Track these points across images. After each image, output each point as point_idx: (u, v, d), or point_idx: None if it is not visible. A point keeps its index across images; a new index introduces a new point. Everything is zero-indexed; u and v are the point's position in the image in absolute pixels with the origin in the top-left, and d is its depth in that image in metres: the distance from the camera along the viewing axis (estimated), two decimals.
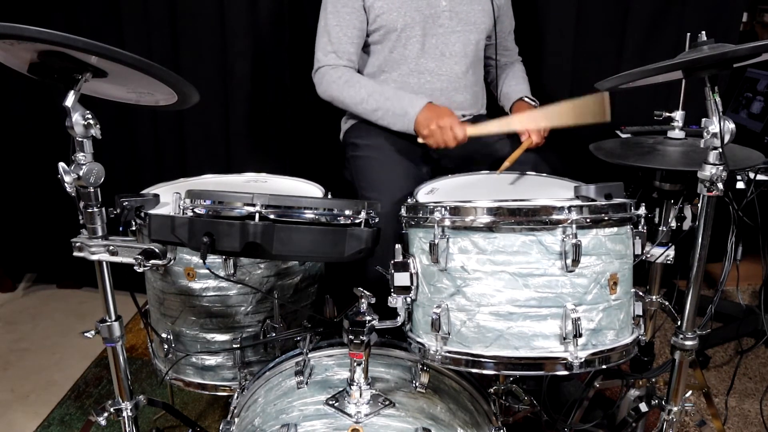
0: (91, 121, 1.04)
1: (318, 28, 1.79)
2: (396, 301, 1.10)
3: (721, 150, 1.05)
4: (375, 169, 1.71)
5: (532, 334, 1.00)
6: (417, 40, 1.75)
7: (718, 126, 1.03)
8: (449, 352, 1.04)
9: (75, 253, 1.14)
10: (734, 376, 1.98)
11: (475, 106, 1.91)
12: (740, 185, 1.60)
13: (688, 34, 1.31)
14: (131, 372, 1.58)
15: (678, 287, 1.52)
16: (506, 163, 1.54)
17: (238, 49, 2.17)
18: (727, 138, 1.04)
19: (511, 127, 1.64)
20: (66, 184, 1.05)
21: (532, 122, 1.64)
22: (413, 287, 1.08)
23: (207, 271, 1.31)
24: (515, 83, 1.91)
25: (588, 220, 0.99)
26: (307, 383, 1.16)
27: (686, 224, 1.44)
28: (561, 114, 1.51)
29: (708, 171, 1.06)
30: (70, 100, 1.02)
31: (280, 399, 1.15)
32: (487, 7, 1.80)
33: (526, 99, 1.85)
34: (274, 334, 1.39)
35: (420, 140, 1.65)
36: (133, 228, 1.27)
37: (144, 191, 1.39)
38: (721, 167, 1.05)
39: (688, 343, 1.20)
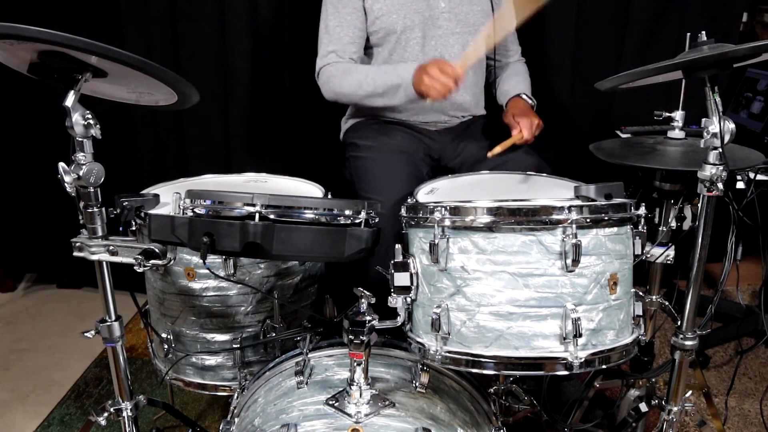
0: (91, 121, 1.04)
1: (319, 31, 1.79)
2: (396, 301, 1.10)
3: (721, 150, 1.05)
4: (374, 171, 1.70)
5: (532, 334, 1.00)
6: (417, 42, 1.75)
7: (718, 126, 1.03)
8: (449, 352, 1.04)
9: (75, 253, 1.14)
10: (734, 376, 1.98)
11: (475, 107, 1.91)
12: (740, 185, 1.60)
13: (688, 34, 1.31)
14: (131, 372, 1.58)
15: (678, 287, 1.51)
16: (497, 149, 1.56)
17: (238, 49, 2.17)
18: (727, 138, 1.04)
19: (485, 42, 1.61)
20: (66, 184, 1.06)
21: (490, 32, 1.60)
22: (413, 287, 1.08)
23: (207, 271, 1.30)
24: (514, 81, 1.90)
25: (588, 220, 0.99)
26: (307, 383, 1.16)
27: (686, 224, 1.44)
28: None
29: (708, 171, 1.06)
30: (70, 100, 1.02)
31: (280, 399, 1.15)
32: (486, 8, 1.79)
33: (524, 96, 1.84)
34: (274, 334, 1.39)
35: (428, 101, 1.60)
36: (133, 228, 1.27)
37: (144, 191, 1.39)
38: (721, 167, 1.05)
39: (688, 343, 1.20)
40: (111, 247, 1.12)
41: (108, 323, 1.22)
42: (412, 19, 1.73)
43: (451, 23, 1.76)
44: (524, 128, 1.64)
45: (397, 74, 1.66)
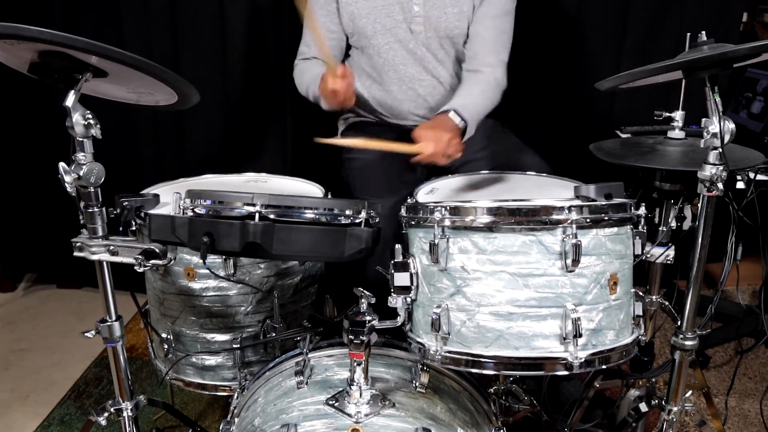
0: (92, 121, 1.04)
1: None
2: (396, 301, 1.10)
3: (721, 150, 1.05)
4: (369, 173, 1.70)
5: (532, 334, 1.00)
6: (390, 46, 1.74)
7: (718, 126, 1.03)
8: (449, 352, 1.04)
9: (75, 253, 1.14)
10: (734, 376, 1.98)
11: None
12: (740, 185, 1.60)
13: (688, 34, 1.31)
14: (131, 372, 1.58)
15: (678, 287, 1.52)
16: (360, 143, 1.51)
17: (238, 49, 2.17)
18: (727, 138, 1.04)
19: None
20: (66, 184, 1.05)
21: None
22: (413, 287, 1.08)
23: (207, 271, 1.31)
24: (457, 94, 1.69)
25: (588, 220, 0.99)
26: (307, 383, 1.16)
27: (686, 224, 1.44)
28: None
29: (708, 171, 1.06)
30: (70, 100, 1.02)
31: (280, 399, 1.15)
32: (465, 9, 1.73)
33: (451, 114, 1.56)
34: (274, 334, 1.39)
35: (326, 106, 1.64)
36: (133, 228, 1.27)
37: (144, 191, 1.39)
38: (721, 167, 1.05)
39: (688, 343, 1.20)
40: (111, 247, 1.12)
41: (108, 323, 1.21)
42: (383, 23, 1.72)
43: (425, 27, 1.73)
44: (427, 140, 1.40)
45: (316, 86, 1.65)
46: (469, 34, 1.74)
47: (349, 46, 1.84)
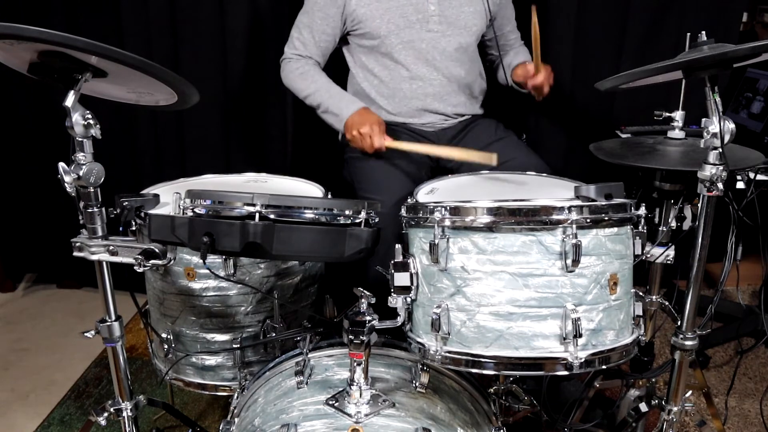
0: (91, 121, 1.04)
1: (296, 19, 1.82)
2: (396, 301, 1.10)
3: (721, 150, 1.05)
4: (373, 171, 1.71)
5: (532, 334, 1.00)
6: (403, 46, 1.75)
7: (718, 126, 1.03)
8: (449, 352, 1.04)
9: (75, 253, 1.14)
10: (734, 376, 1.98)
11: (471, 107, 1.90)
12: (740, 185, 1.60)
13: (688, 34, 1.31)
14: (131, 372, 1.58)
15: (678, 287, 1.52)
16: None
17: (238, 49, 2.17)
18: (727, 138, 1.04)
19: (427, 152, 1.70)
20: (66, 184, 1.05)
21: (443, 151, 1.69)
22: (413, 287, 1.08)
23: (207, 271, 1.31)
24: (516, 56, 1.95)
25: (588, 220, 0.99)
26: (307, 383, 1.16)
27: (686, 224, 1.44)
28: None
29: (708, 171, 1.06)
30: (70, 100, 1.02)
31: (280, 399, 1.15)
32: (480, 8, 1.79)
33: (529, 63, 1.85)
34: (274, 334, 1.39)
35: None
36: (133, 228, 1.26)
37: (144, 191, 1.39)
38: (721, 167, 1.05)
39: (688, 343, 1.20)
40: (111, 247, 1.12)
41: (108, 323, 1.22)
42: (396, 23, 1.73)
43: (442, 26, 1.75)
44: (543, 68, 1.73)
45: (339, 107, 1.73)
46: (501, 30, 1.93)
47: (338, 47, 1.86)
